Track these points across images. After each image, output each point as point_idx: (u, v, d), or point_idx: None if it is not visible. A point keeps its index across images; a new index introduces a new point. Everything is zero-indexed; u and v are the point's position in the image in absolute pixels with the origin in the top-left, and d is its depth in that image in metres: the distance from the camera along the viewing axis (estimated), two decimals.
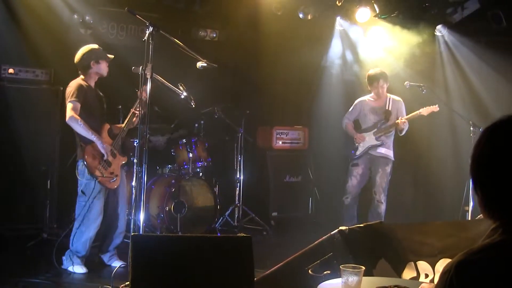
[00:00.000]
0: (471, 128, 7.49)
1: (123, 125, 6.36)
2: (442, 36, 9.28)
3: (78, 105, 5.96)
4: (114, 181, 6.17)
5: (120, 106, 7.58)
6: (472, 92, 9.01)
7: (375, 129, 7.87)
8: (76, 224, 6.11)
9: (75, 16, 8.15)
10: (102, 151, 6.05)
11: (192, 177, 7.89)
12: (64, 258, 6.21)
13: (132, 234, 4.01)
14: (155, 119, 8.46)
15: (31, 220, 6.74)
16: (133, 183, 5.76)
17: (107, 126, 6.29)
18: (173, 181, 7.73)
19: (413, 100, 8.07)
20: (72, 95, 5.97)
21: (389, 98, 7.91)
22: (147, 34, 5.15)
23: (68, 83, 6.29)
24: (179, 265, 3.34)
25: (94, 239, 6.30)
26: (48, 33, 7.34)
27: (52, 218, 7.55)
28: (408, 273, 4.06)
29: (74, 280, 5.96)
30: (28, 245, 6.62)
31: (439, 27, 9.11)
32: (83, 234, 6.10)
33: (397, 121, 7.76)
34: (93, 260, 6.54)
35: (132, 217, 5.40)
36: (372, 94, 8.00)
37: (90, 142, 6.03)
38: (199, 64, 5.84)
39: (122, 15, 7.86)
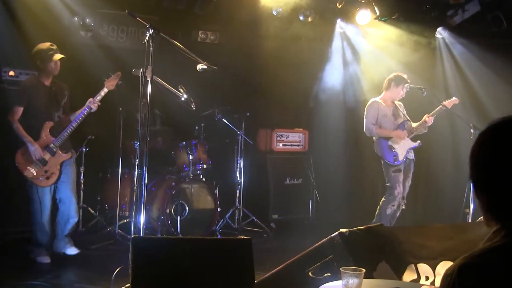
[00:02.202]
0: (472, 131, 7.47)
1: (75, 120, 6.55)
2: (443, 38, 9.29)
3: (19, 109, 6.38)
4: (47, 179, 6.43)
5: (120, 108, 7.59)
6: (472, 94, 9.00)
7: (404, 130, 7.76)
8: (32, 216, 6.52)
9: (76, 18, 8.15)
10: (31, 154, 6.35)
11: (192, 180, 7.89)
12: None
13: (132, 236, 4.00)
14: (156, 122, 8.49)
15: (29, 223, 6.73)
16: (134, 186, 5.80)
17: (49, 124, 6.50)
18: (173, 183, 7.73)
19: (414, 103, 8.07)
20: (16, 99, 6.48)
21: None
22: (147, 37, 5.15)
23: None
24: (179, 268, 3.34)
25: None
26: (48, 36, 7.33)
27: (51, 221, 7.55)
28: (408, 276, 4.05)
29: (74, 282, 5.96)
30: (27, 247, 6.62)
31: (439, 29, 9.12)
32: (38, 223, 6.49)
33: (425, 119, 7.76)
34: (93, 262, 6.57)
35: (133, 219, 5.42)
36: (384, 95, 7.83)
37: (25, 143, 6.37)
38: (199, 67, 5.84)
39: (123, 17, 7.86)
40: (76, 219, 6.76)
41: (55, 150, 6.46)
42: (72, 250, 6.68)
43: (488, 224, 1.90)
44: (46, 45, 6.48)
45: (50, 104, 6.55)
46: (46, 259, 6.50)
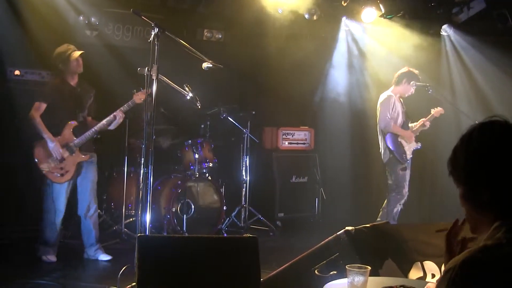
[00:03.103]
0: None
1: (98, 124, 6.59)
2: (448, 36, 9.26)
3: (42, 106, 6.39)
4: (62, 176, 6.44)
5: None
6: (478, 92, 8.97)
7: (408, 130, 7.76)
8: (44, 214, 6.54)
9: (81, 17, 8.17)
10: (49, 149, 6.37)
11: (198, 178, 7.90)
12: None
13: (138, 235, 4.01)
14: (161, 121, 8.48)
15: (37, 221, 6.76)
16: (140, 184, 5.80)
17: (73, 124, 6.52)
18: (179, 182, 7.73)
19: (419, 100, 8.05)
20: (40, 95, 6.48)
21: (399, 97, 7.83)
22: (152, 35, 5.15)
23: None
24: (185, 266, 3.34)
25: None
26: (53, 35, 7.37)
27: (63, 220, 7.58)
28: (414, 273, 4.05)
29: (81, 281, 5.98)
30: (34, 246, 6.64)
31: (445, 27, 9.09)
32: (49, 222, 6.50)
33: (424, 123, 7.75)
34: (99, 261, 6.59)
35: (139, 218, 5.43)
36: (393, 90, 7.69)
37: (44, 138, 6.40)
38: (205, 65, 5.85)
39: (128, 16, 7.86)
40: (94, 233, 6.69)
41: (74, 149, 6.49)
42: (103, 256, 6.67)
43: (475, 229, 1.91)
44: (63, 47, 6.52)
45: (75, 104, 6.58)
46: (53, 258, 6.52)
